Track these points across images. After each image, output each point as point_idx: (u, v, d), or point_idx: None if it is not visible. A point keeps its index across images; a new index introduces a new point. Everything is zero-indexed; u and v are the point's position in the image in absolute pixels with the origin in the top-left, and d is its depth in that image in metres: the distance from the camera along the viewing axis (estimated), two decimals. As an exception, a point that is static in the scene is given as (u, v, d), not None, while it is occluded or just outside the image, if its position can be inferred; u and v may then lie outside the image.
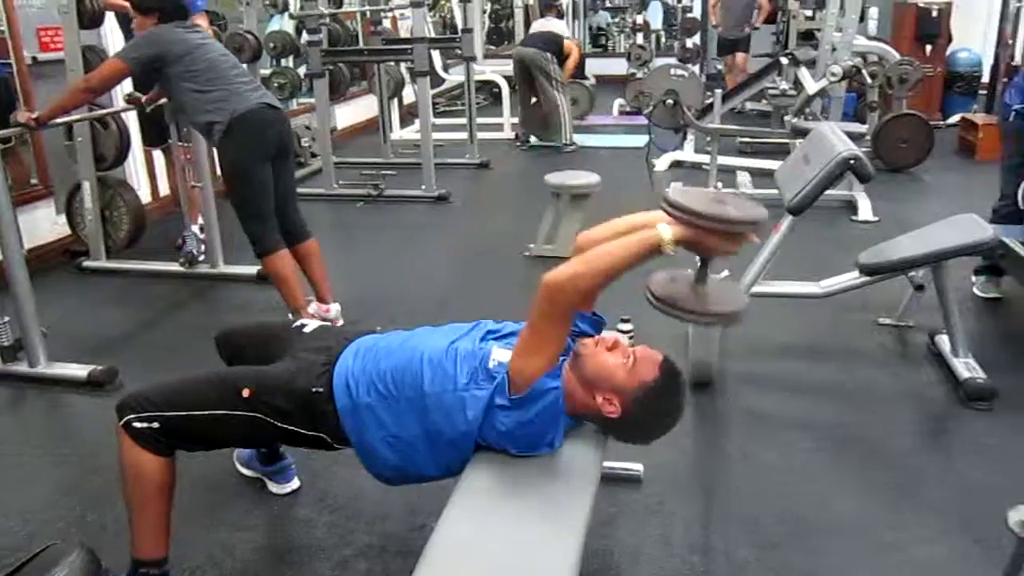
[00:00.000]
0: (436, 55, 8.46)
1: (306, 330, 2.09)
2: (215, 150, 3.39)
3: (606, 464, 1.89)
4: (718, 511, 2.32)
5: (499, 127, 8.52)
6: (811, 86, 5.70)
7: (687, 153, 6.87)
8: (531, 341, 1.66)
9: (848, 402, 2.93)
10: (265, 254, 3.40)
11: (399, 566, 2.10)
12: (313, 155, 7.00)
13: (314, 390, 1.81)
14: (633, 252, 1.58)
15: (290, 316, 3.39)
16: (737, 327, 1.73)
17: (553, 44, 7.72)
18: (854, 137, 3.15)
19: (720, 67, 9.86)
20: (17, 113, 3.52)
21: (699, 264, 1.59)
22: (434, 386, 1.75)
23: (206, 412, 1.81)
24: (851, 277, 3.13)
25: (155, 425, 1.79)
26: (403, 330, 1.97)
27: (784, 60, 6.19)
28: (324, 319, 3.62)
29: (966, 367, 2.97)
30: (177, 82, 3.31)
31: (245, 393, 1.81)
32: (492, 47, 12.55)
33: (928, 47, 8.08)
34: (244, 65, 3.54)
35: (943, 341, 3.16)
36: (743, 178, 5.94)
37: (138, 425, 1.79)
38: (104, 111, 4.28)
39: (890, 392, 3.00)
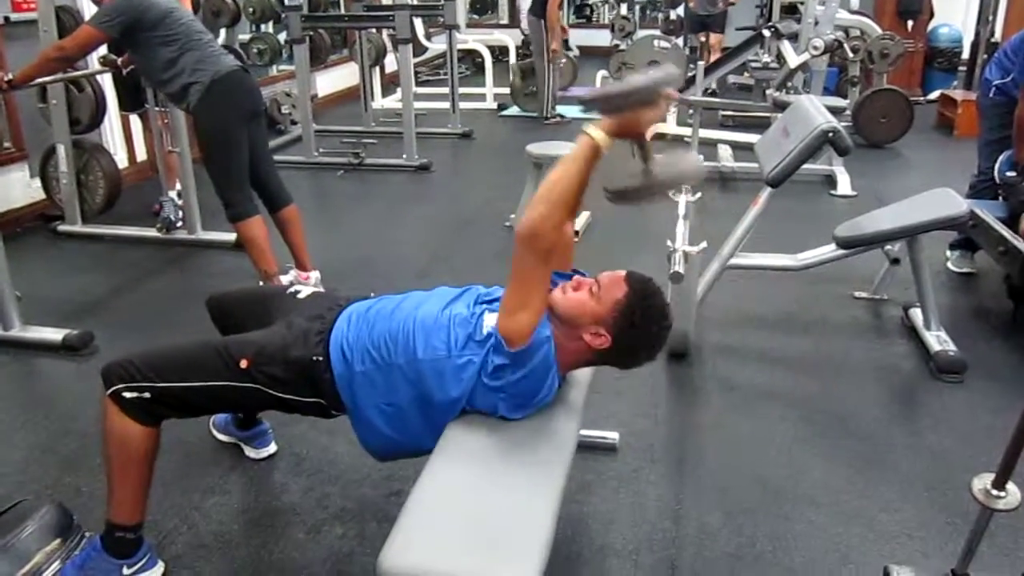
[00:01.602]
0: (418, 23, 8.39)
1: (300, 296, 2.08)
2: (192, 115, 3.34)
3: (582, 432, 1.91)
4: (691, 479, 2.35)
5: (482, 97, 8.47)
6: (793, 59, 5.71)
7: (669, 126, 6.86)
8: (517, 296, 1.65)
9: (821, 373, 2.97)
10: (237, 219, 3.37)
11: (374, 531, 2.11)
12: (293, 123, 6.94)
13: (313, 358, 1.80)
14: (575, 164, 1.63)
15: (260, 282, 3.37)
16: (698, 185, 1.80)
17: (542, 7, 7.60)
18: (835, 111, 3.17)
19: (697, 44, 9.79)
20: None
21: (638, 148, 1.64)
22: (427, 352, 1.74)
23: (202, 383, 1.79)
24: (827, 250, 3.15)
25: (146, 395, 1.77)
26: (395, 294, 1.96)
27: (767, 33, 6.18)
28: (304, 286, 3.60)
29: (937, 340, 3.01)
30: (152, 46, 3.25)
31: (243, 364, 1.79)
32: (475, 16, 12.45)
33: (910, 22, 8.11)
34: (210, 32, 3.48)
35: (916, 314, 3.20)
36: (724, 151, 5.95)
37: (128, 395, 1.76)
38: (79, 73, 4.21)
39: (863, 364, 3.04)
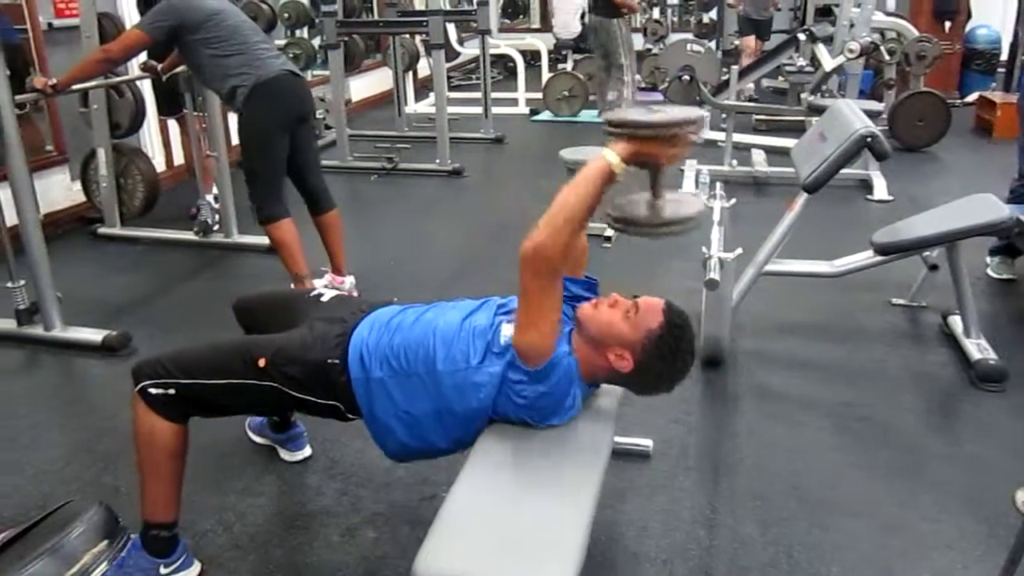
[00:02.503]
0: (451, 28, 8.40)
1: (323, 299, 2.10)
2: (235, 116, 3.38)
3: (616, 439, 1.90)
4: (725, 487, 2.33)
5: (514, 102, 8.48)
6: (828, 63, 5.65)
7: (703, 130, 6.81)
8: (529, 314, 1.65)
9: (858, 382, 2.93)
10: (267, 221, 3.40)
11: (407, 535, 2.12)
12: (327, 127, 6.99)
13: (329, 361, 1.81)
14: (586, 186, 1.62)
15: (292, 285, 3.40)
16: (693, 233, 1.79)
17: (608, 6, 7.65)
18: (870, 115, 3.13)
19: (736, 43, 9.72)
20: (33, 79, 3.54)
21: (651, 179, 1.65)
22: (446, 364, 1.75)
23: (223, 381, 1.82)
24: (864, 257, 3.11)
25: (171, 392, 1.80)
26: (419, 304, 1.97)
27: (801, 36, 6.12)
28: (338, 290, 3.63)
29: (978, 348, 2.96)
30: (198, 48, 3.30)
31: (261, 363, 1.81)
32: (507, 21, 12.47)
33: (947, 23, 7.99)
34: (264, 34, 3.51)
35: (956, 322, 3.15)
36: (758, 156, 5.90)
37: (154, 391, 1.80)
38: (120, 79, 4.29)
39: (901, 372, 2.99)
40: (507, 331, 1.75)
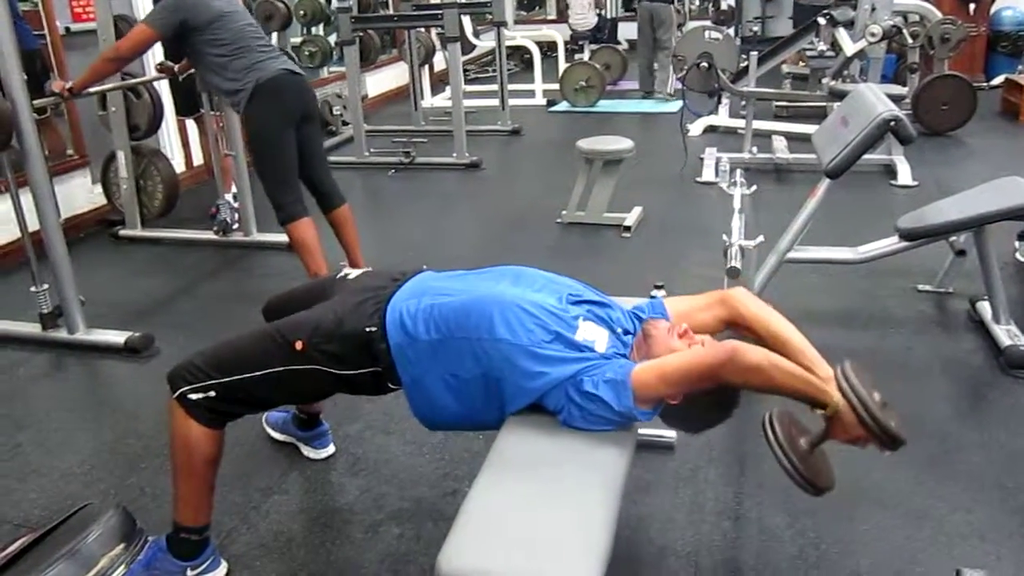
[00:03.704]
0: (467, 21, 8.39)
1: (350, 277, 2.07)
2: (242, 118, 3.40)
3: (640, 431, 1.88)
4: (750, 479, 2.30)
5: (531, 93, 8.45)
6: (849, 47, 5.57)
7: (721, 118, 6.76)
8: (680, 377, 1.62)
9: (885, 370, 2.88)
10: (288, 221, 3.41)
11: (431, 531, 2.11)
12: (344, 123, 7.00)
13: (367, 329, 1.77)
14: (803, 390, 1.61)
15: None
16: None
17: None
18: (894, 100, 3.07)
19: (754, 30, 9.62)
20: (51, 83, 3.57)
21: (822, 432, 1.62)
22: (507, 334, 1.68)
23: (262, 372, 1.79)
24: (890, 242, 3.07)
25: (211, 394, 1.77)
26: (459, 270, 1.94)
27: (822, 21, 6.04)
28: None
29: (1008, 334, 2.91)
30: (203, 48, 3.32)
31: (298, 346, 1.78)
32: (523, 12, 12.43)
33: (971, 5, 7.84)
34: (265, 35, 3.53)
35: (984, 308, 3.10)
36: (779, 142, 5.84)
37: (193, 396, 1.77)
38: (136, 80, 4.31)
39: (928, 359, 2.94)
40: (586, 331, 1.73)
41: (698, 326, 1.83)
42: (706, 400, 1.68)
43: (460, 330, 1.73)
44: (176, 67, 3.99)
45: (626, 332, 1.80)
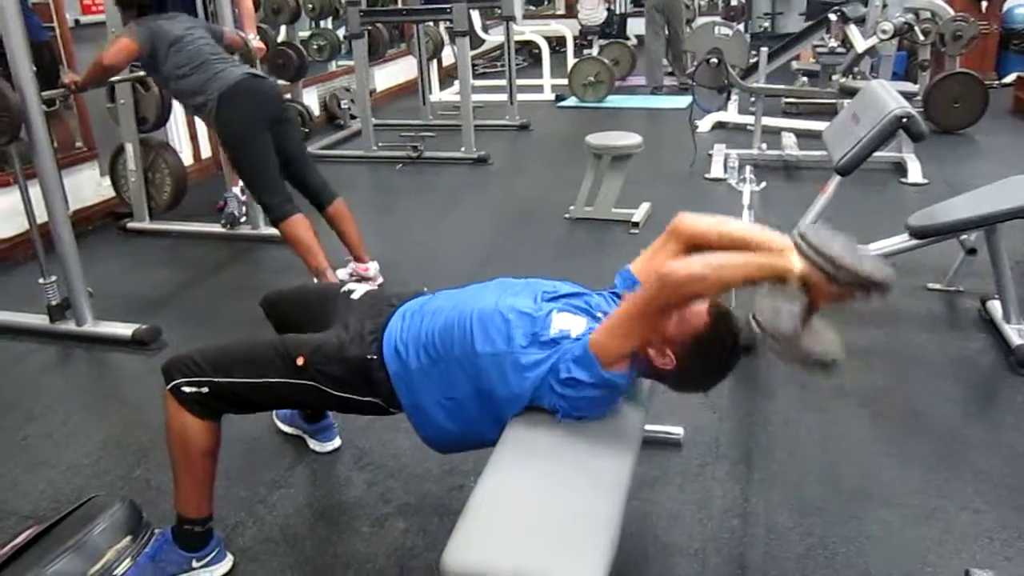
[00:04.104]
0: (475, 15, 8.37)
1: (353, 296, 2.07)
2: (215, 128, 3.44)
3: (647, 427, 1.87)
4: (758, 476, 2.29)
5: (539, 88, 8.43)
6: (860, 44, 5.55)
7: (731, 114, 6.74)
8: (627, 324, 1.60)
9: (893, 368, 2.87)
10: (278, 220, 3.41)
11: (436, 526, 2.11)
12: (352, 117, 6.99)
13: (368, 357, 1.80)
14: (758, 273, 1.51)
15: (314, 280, 3.40)
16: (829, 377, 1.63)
17: None
18: (905, 97, 3.05)
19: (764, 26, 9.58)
20: (64, 75, 3.59)
21: (806, 305, 1.50)
22: (486, 346, 1.71)
23: (259, 379, 1.81)
24: (900, 240, 3.05)
25: (205, 390, 1.79)
26: (450, 289, 1.95)
27: (833, 17, 6.01)
28: (363, 277, 3.64)
29: (1018, 333, 2.89)
30: (166, 72, 3.42)
31: (299, 362, 1.80)
32: (532, 7, 12.40)
33: (983, 3, 7.79)
34: (222, 49, 3.62)
35: (995, 307, 3.08)
36: (788, 139, 5.81)
37: (187, 390, 1.79)
38: (144, 73, 4.30)
39: (938, 358, 2.93)
40: (560, 322, 1.72)
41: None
42: (699, 354, 1.65)
43: (446, 351, 1.75)
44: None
45: (606, 314, 1.78)
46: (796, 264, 1.47)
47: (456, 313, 1.78)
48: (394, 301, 1.95)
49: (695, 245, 1.74)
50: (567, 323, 1.73)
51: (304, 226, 3.43)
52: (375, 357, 1.80)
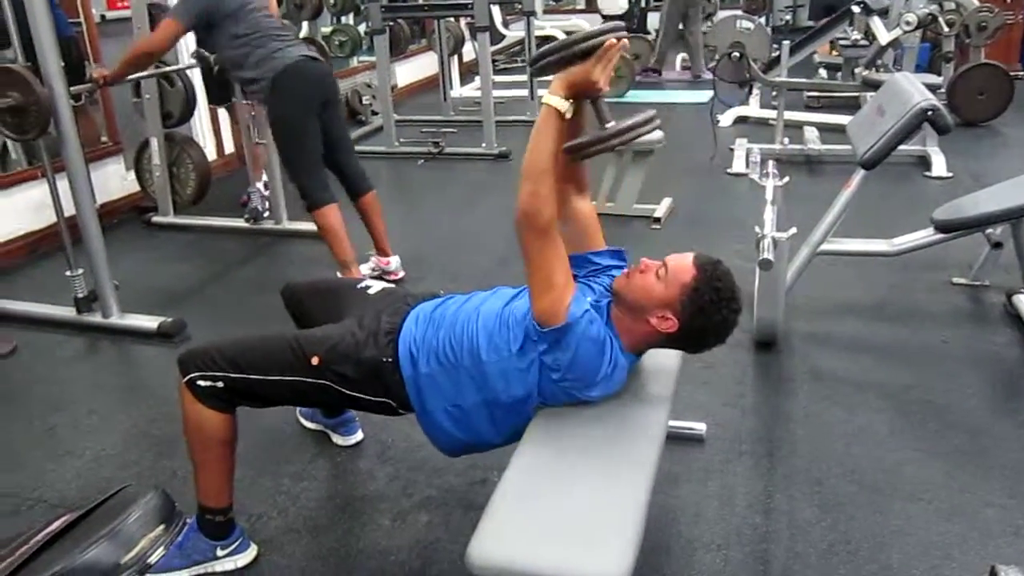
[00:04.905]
0: (496, 10, 8.37)
1: (370, 292, 2.09)
2: (264, 108, 3.42)
3: (670, 423, 1.87)
4: (781, 471, 2.29)
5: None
6: (884, 36, 5.49)
7: (752, 108, 6.69)
8: (538, 278, 1.63)
9: (918, 363, 2.85)
10: (313, 207, 3.42)
11: (459, 519, 2.12)
12: (374, 113, 7.01)
13: (384, 360, 1.81)
14: (540, 134, 1.62)
15: (338, 271, 3.42)
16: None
17: None
18: (930, 89, 3.03)
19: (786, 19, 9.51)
20: (93, 70, 3.62)
21: (594, 108, 1.64)
22: (490, 353, 1.74)
23: (273, 377, 1.82)
24: (924, 234, 3.03)
25: (219, 384, 1.81)
26: (461, 294, 1.96)
27: (856, 9, 5.95)
28: (384, 271, 3.66)
29: (1045, 329, 2.86)
30: (223, 42, 3.36)
31: (314, 360, 1.81)
32: (552, 2, 12.38)
33: (1009, -7, 7.69)
34: (283, 24, 3.57)
35: (1021, 301, 3.05)
36: (811, 133, 5.77)
37: (202, 383, 1.81)
38: (170, 68, 4.34)
39: (962, 353, 2.90)
40: None
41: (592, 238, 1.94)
42: (698, 308, 1.66)
43: (455, 358, 1.77)
44: (212, 56, 3.99)
45: (597, 302, 1.77)
46: (548, 97, 1.61)
47: (463, 321, 1.81)
48: (410, 300, 1.97)
49: (568, 208, 1.89)
50: None
51: (337, 216, 3.46)
52: (390, 360, 1.81)
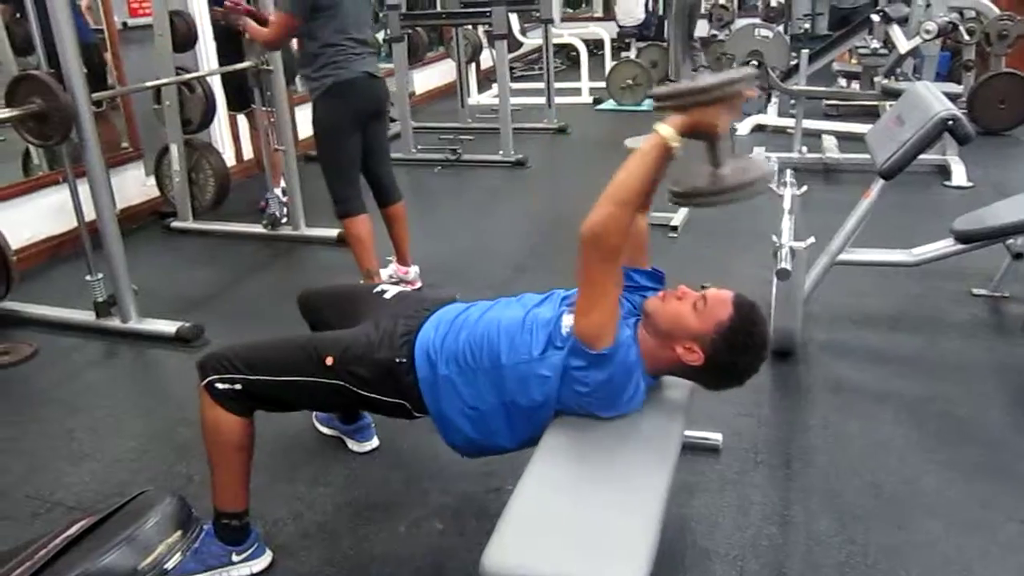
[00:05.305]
0: (514, 18, 8.39)
1: (386, 296, 2.10)
2: (312, 105, 3.41)
3: (686, 433, 1.86)
4: (797, 483, 2.27)
5: (577, 91, 8.42)
6: (903, 44, 5.46)
7: (770, 117, 6.67)
8: (591, 296, 1.62)
9: (937, 375, 2.83)
10: (344, 215, 3.44)
11: (474, 527, 2.12)
12: (391, 120, 7.03)
13: (397, 360, 1.82)
14: (643, 163, 1.59)
15: (361, 281, 3.43)
16: (762, 195, 1.69)
17: None
18: (950, 98, 3.00)
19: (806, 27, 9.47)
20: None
21: (708, 149, 1.58)
22: (510, 357, 1.74)
23: (289, 378, 1.84)
24: (944, 245, 3.00)
25: (237, 387, 1.82)
26: (483, 300, 1.96)
27: (875, 17, 5.92)
28: (403, 279, 3.67)
29: (1067, 341, 2.83)
30: (303, 35, 3.32)
31: (328, 361, 1.82)
32: (570, 10, 12.40)
33: (1031, 1, 7.63)
34: (366, 31, 3.49)
35: (1042, 313, 3.02)
36: (829, 142, 5.74)
37: (220, 386, 1.82)
38: (190, 75, 4.38)
39: (982, 365, 2.87)
40: (567, 321, 1.73)
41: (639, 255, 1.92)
42: (727, 347, 1.65)
43: (475, 362, 1.77)
44: (220, 11, 3.82)
45: (624, 319, 1.76)
46: (660, 128, 1.56)
47: (485, 326, 1.81)
48: (428, 305, 1.97)
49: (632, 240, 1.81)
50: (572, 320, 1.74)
51: (367, 226, 3.47)
52: (404, 360, 1.82)
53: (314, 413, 2.57)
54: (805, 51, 6.14)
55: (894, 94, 4.56)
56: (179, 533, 1.29)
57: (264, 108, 4.43)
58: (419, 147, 6.25)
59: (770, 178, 1.61)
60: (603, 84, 8.01)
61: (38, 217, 4.27)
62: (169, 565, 1.27)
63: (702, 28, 8.27)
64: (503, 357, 1.74)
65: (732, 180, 1.57)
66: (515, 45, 8.97)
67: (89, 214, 3.25)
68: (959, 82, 6.30)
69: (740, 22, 8.71)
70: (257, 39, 3.61)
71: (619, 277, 1.68)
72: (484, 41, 7.98)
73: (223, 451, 1.87)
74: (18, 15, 4.25)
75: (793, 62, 6.29)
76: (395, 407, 1.88)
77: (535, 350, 1.72)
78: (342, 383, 1.83)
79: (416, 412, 1.87)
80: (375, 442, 2.49)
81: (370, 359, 1.83)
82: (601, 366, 1.64)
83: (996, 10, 6.36)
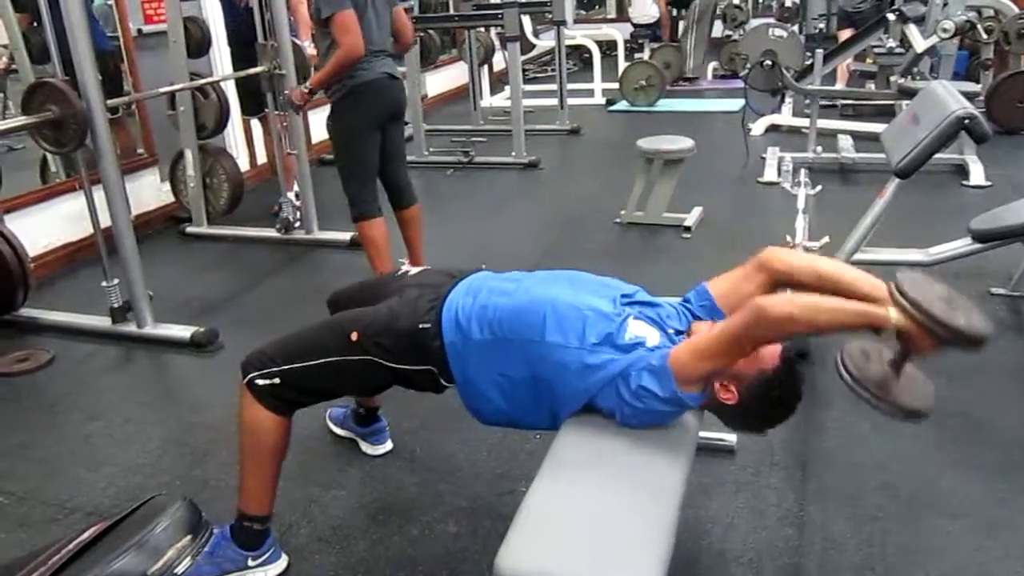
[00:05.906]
0: (526, 20, 8.39)
1: (410, 274, 2.12)
2: (331, 106, 3.42)
3: (701, 434, 1.85)
4: (814, 484, 2.25)
5: (590, 93, 8.41)
6: (920, 44, 5.42)
7: (784, 117, 6.64)
8: (713, 348, 1.60)
9: (955, 375, 2.79)
10: (360, 218, 3.45)
11: (488, 529, 2.11)
12: (404, 123, 7.05)
13: (421, 326, 1.81)
14: (853, 321, 1.50)
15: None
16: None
17: None
18: (967, 97, 2.98)
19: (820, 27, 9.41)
20: (291, 92, 3.62)
21: (899, 355, 1.49)
22: (557, 337, 1.70)
23: (320, 360, 1.84)
24: (962, 244, 2.97)
25: (276, 381, 1.83)
26: (517, 271, 1.95)
27: (891, 16, 5.88)
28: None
29: (1087, 340, 2.79)
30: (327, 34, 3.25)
31: (353, 336, 1.82)
32: (582, 12, 12.39)
33: (1049, -1, 7.55)
34: (384, 33, 3.44)
35: (1061, 312, 2.98)
36: (844, 141, 5.71)
37: (260, 382, 1.83)
38: (204, 80, 4.40)
39: (1002, 365, 2.84)
40: (635, 329, 1.72)
41: (747, 299, 1.73)
42: (762, 395, 1.63)
43: (512, 332, 1.75)
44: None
45: (678, 332, 1.78)
46: (892, 315, 1.45)
47: (528, 298, 1.79)
48: (455, 273, 1.98)
49: (783, 281, 1.77)
50: (642, 331, 1.73)
51: (382, 230, 3.49)
52: (429, 326, 1.80)
53: (328, 414, 2.57)
54: (820, 51, 6.10)
55: (911, 93, 4.52)
56: (189, 537, 1.28)
57: (277, 113, 4.45)
58: (431, 150, 6.26)
59: (927, 415, 1.54)
60: (616, 85, 8.00)
61: (55, 224, 4.30)
62: (179, 570, 1.26)
63: (716, 28, 8.27)
64: (548, 334, 1.71)
65: (899, 397, 1.50)
66: (528, 47, 8.97)
67: (105, 220, 3.27)
68: (977, 81, 6.24)
69: (754, 22, 8.67)
70: (338, 65, 3.26)
71: (744, 356, 1.62)
72: (496, 43, 7.99)
73: (258, 453, 1.88)
74: (35, 23, 4.29)
75: (807, 62, 6.25)
76: (425, 377, 1.85)
77: (588, 339, 1.69)
78: (371, 357, 1.82)
79: (444, 381, 1.85)
80: (389, 445, 2.49)
81: (393, 328, 1.82)
82: (669, 402, 1.64)
83: (1015, 8, 6.30)
